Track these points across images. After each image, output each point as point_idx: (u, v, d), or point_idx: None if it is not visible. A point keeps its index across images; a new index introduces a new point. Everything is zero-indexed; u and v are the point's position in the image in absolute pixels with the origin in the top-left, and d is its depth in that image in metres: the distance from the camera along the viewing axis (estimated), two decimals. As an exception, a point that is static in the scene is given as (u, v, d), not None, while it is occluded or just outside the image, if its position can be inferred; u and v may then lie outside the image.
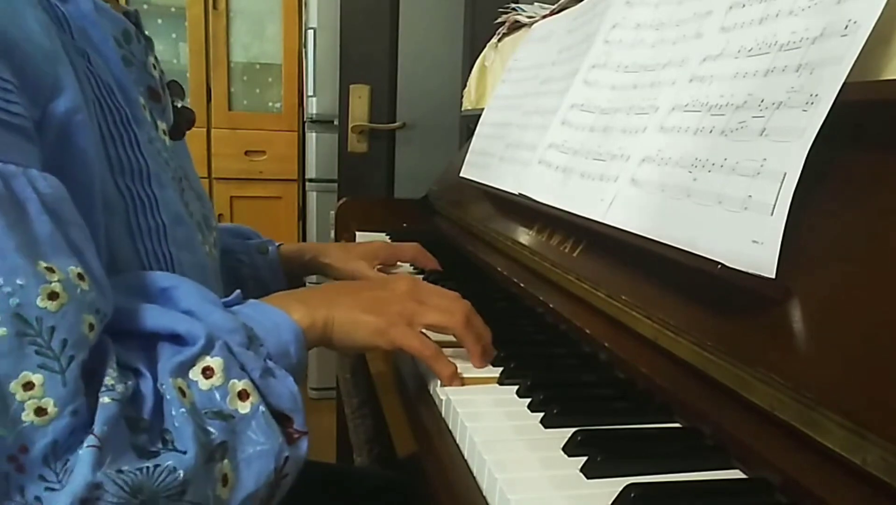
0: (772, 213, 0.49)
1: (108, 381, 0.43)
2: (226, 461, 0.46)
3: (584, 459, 0.47)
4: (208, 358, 0.48)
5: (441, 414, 0.60)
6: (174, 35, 2.81)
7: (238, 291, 0.57)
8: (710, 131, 0.60)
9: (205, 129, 2.79)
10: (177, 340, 0.49)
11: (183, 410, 0.45)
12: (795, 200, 0.48)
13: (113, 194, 0.54)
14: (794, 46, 0.54)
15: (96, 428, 0.41)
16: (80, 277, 0.43)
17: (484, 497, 0.47)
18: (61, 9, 0.53)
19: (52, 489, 0.39)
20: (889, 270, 0.44)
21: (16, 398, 0.39)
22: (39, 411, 0.40)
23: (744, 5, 0.63)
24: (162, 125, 0.64)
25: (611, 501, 0.43)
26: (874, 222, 0.47)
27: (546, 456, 0.49)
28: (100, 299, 0.45)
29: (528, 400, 0.58)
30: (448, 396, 0.59)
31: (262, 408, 0.49)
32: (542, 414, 0.55)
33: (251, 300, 0.58)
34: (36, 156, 0.45)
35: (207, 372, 0.48)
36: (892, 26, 0.48)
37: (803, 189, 0.48)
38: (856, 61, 0.47)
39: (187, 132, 0.72)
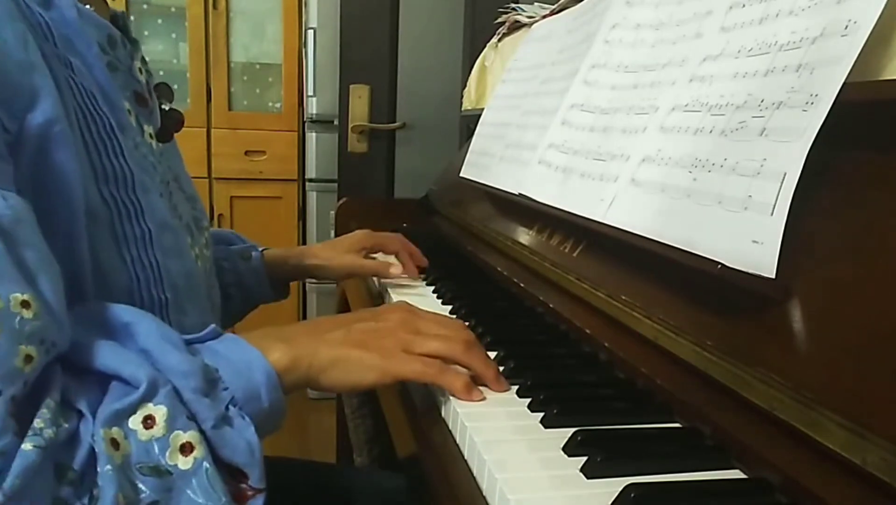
0: (772, 214, 0.49)
1: (37, 423, 0.39)
2: None
3: (584, 459, 0.47)
4: (150, 406, 0.44)
5: (441, 414, 0.60)
6: (174, 35, 2.81)
7: (213, 326, 0.53)
8: (710, 131, 0.60)
9: (205, 129, 2.78)
10: (126, 383, 0.45)
11: (108, 467, 0.41)
12: (795, 200, 0.48)
13: (97, 203, 0.52)
14: (794, 46, 0.54)
15: (7, 481, 0.37)
16: (23, 304, 0.40)
17: (484, 497, 0.47)
18: (44, 17, 0.52)
19: None
20: (889, 269, 0.44)
21: None
22: None
23: (744, 5, 0.63)
24: (149, 129, 0.63)
25: (611, 501, 0.43)
26: (874, 222, 0.47)
27: (546, 456, 0.49)
28: (48, 328, 0.41)
29: (528, 400, 0.58)
30: (448, 397, 0.59)
31: (206, 464, 0.44)
32: (542, 414, 0.55)
33: (228, 335, 0.53)
34: (6, 173, 0.43)
35: (148, 421, 0.43)
36: (892, 26, 0.48)
37: (803, 189, 0.48)
38: (856, 61, 0.47)
39: (181, 132, 0.71)
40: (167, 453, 0.43)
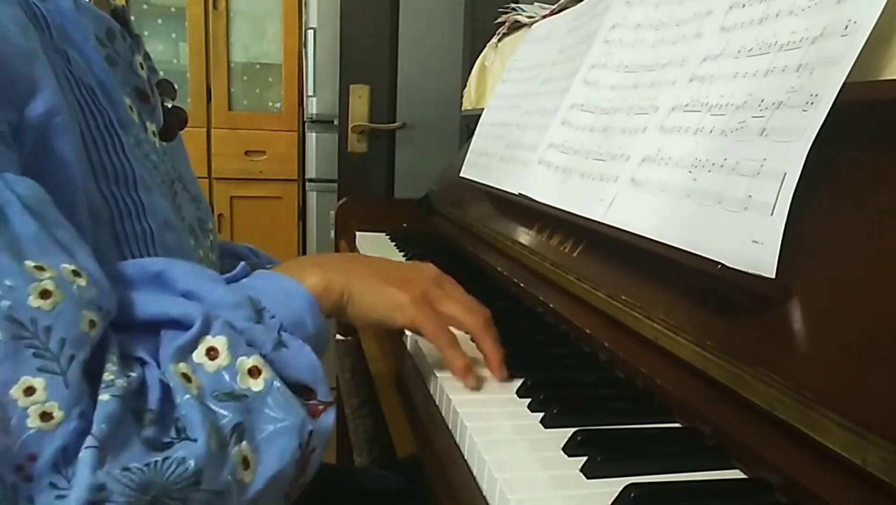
0: (772, 214, 0.49)
1: (106, 376, 0.41)
2: (244, 443, 0.44)
3: (584, 459, 0.47)
4: (209, 338, 0.46)
5: (441, 414, 0.60)
6: (174, 35, 2.81)
7: (243, 263, 0.55)
8: (710, 131, 0.60)
9: (205, 129, 2.79)
10: (177, 324, 0.47)
11: (188, 396, 0.43)
12: (795, 200, 0.48)
13: (97, 201, 0.51)
14: (794, 46, 0.54)
15: (94, 427, 0.39)
16: (74, 273, 0.42)
17: (484, 497, 0.47)
18: (39, 7, 0.51)
19: (62, 497, 0.38)
20: (889, 269, 0.44)
21: (18, 405, 0.38)
22: (45, 416, 0.38)
23: (744, 5, 0.63)
24: (151, 127, 0.61)
25: (611, 501, 0.43)
26: (874, 222, 0.47)
27: (546, 456, 0.49)
28: (100, 296, 0.43)
29: (528, 400, 0.58)
30: (448, 396, 0.59)
31: (276, 383, 0.46)
32: (542, 414, 0.55)
33: (260, 270, 0.55)
34: (13, 160, 0.44)
35: (212, 353, 0.45)
36: (892, 26, 0.48)
37: (803, 189, 0.48)
38: (856, 61, 0.47)
39: (182, 132, 0.69)
40: (238, 379, 0.45)
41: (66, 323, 0.40)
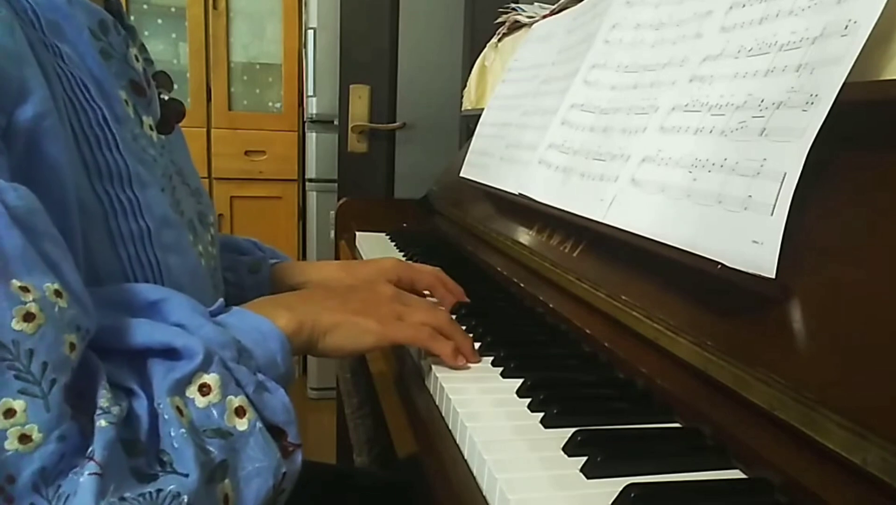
0: (772, 214, 0.49)
1: (102, 403, 0.41)
2: (226, 481, 0.45)
3: (584, 459, 0.47)
4: (205, 375, 0.47)
5: (441, 414, 0.60)
6: (174, 35, 2.81)
7: (221, 300, 0.56)
8: (710, 131, 0.60)
9: (205, 129, 2.79)
10: (169, 354, 0.47)
11: (182, 430, 0.44)
12: (795, 200, 0.48)
13: (90, 200, 0.51)
14: (794, 46, 0.54)
15: (97, 454, 0.39)
16: (57, 293, 0.41)
17: (484, 497, 0.47)
18: (30, 1, 0.50)
19: None
20: (889, 269, 0.44)
21: None
22: (24, 438, 0.38)
23: (744, 5, 0.63)
24: (148, 120, 0.60)
25: (611, 501, 0.43)
26: (874, 222, 0.47)
27: (546, 456, 0.49)
28: (80, 316, 0.43)
29: (528, 400, 0.58)
30: (448, 396, 0.59)
31: (258, 424, 0.48)
32: (542, 414, 0.55)
33: (234, 308, 0.56)
34: (3, 166, 0.43)
35: (204, 389, 0.46)
36: (892, 26, 0.48)
37: (803, 189, 0.48)
38: (856, 61, 0.47)
39: (180, 126, 0.69)
40: (225, 416, 0.46)
41: (48, 346, 0.40)
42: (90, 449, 0.40)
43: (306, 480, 0.53)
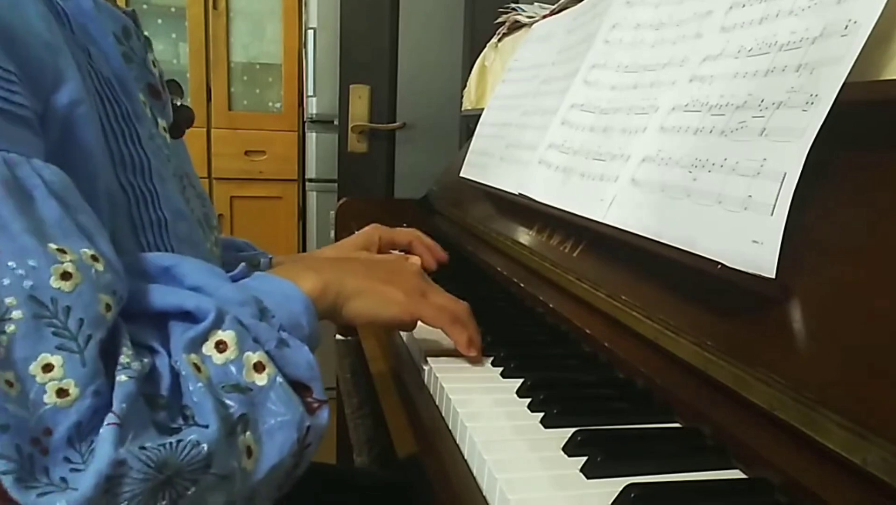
0: (772, 214, 0.49)
1: (123, 359, 0.43)
2: (248, 434, 0.46)
3: (584, 459, 0.47)
4: (220, 332, 0.48)
5: (441, 414, 0.60)
6: (174, 35, 2.81)
7: (243, 264, 0.57)
8: (710, 131, 0.60)
9: (205, 129, 2.79)
10: (187, 316, 0.48)
11: (200, 385, 0.45)
12: (795, 200, 0.48)
13: (115, 188, 0.53)
14: (794, 46, 0.54)
15: (115, 405, 0.41)
16: (93, 258, 0.43)
17: (484, 497, 0.47)
18: (61, 5, 0.53)
19: (77, 470, 0.39)
20: (889, 269, 0.44)
21: (36, 381, 0.39)
22: (61, 393, 0.40)
23: (744, 5, 0.63)
24: (162, 123, 0.63)
25: (611, 501, 0.43)
26: (874, 222, 0.47)
27: (546, 456, 0.49)
28: (116, 281, 0.44)
29: (528, 400, 0.58)
30: (448, 396, 0.59)
31: (279, 379, 0.48)
32: (542, 414, 0.55)
33: (258, 272, 0.57)
34: (39, 147, 0.45)
35: (221, 346, 0.47)
36: (892, 26, 0.48)
37: (803, 189, 0.48)
38: (856, 61, 0.47)
39: (186, 131, 0.71)
40: (243, 372, 0.47)
41: (85, 304, 0.41)
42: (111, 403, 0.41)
43: (306, 480, 0.54)
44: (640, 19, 0.83)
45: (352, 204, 1.62)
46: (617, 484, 0.44)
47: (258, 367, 0.48)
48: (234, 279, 0.54)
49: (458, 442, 0.54)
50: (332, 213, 1.64)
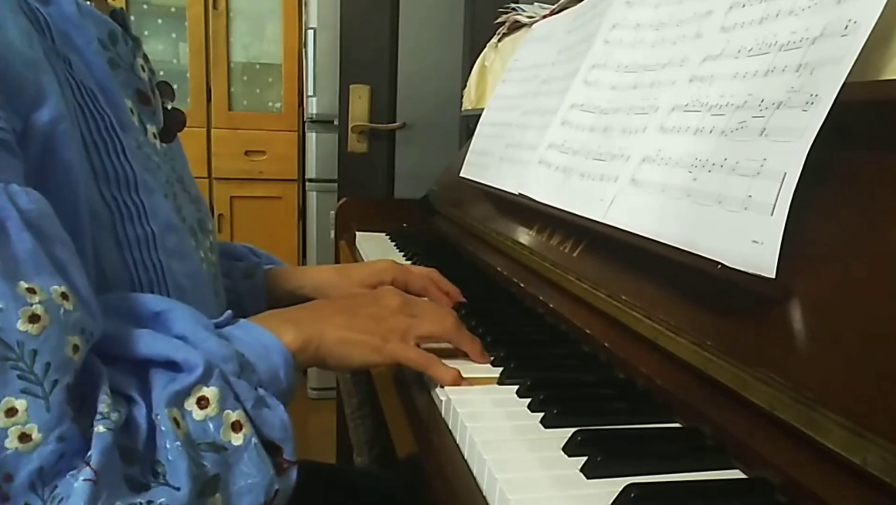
0: (772, 214, 0.49)
1: (102, 408, 0.42)
2: (217, 495, 0.45)
3: (584, 459, 0.47)
4: (205, 388, 0.47)
5: (441, 414, 0.60)
6: (174, 35, 2.81)
7: (229, 312, 0.56)
8: (711, 131, 0.60)
9: (205, 129, 2.79)
10: (171, 366, 0.48)
11: (178, 443, 0.44)
12: (795, 200, 0.48)
13: (98, 204, 0.52)
14: (794, 46, 0.54)
15: (93, 460, 0.40)
16: (63, 296, 0.42)
17: (484, 497, 0.47)
18: (42, 12, 0.51)
19: None
20: (889, 269, 0.44)
21: None
22: (23, 438, 0.39)
23: (744, 5, 0.63)
24: (152, 128, 0.62)
25: (611, 501, 0.43)
26: (874, 222, 0.47)
27: (546, 456, 0.49)
28: (85, 319, 0.43)
29: (528, 400, 0.58)
30: (448, 396, 0.59)
31: (254, 440, 0.48)
32: (542, 414, 0.55)
33: (241, 320, 0.57)
34: (18, 169, 0.44)
35: (202, 402, 0.47)
36: (892, 26, 0.48)
37: (803, 189, 0.48)
38: (856, 61, 0.47)
39: (180, 133, 0.70)
40: (221, 431, 0.47)
41: (52, 348, 0.41)
42: (88, 454, 0.40)
43: (306, 480, 0.53)
44: (640, 19, 0.83)
45: (352, 204, 1.62)
46: (617, 484, 0.44)
47: (236, 426, 0.47)
48: (219, 326, 0.54)
49: (458, 442, 0.54)
50: (332, 213, 1.64)
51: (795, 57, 0.53)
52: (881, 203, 0.48)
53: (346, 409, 1.45)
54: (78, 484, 0.39)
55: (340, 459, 1.80)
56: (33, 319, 0.40)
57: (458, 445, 0.54)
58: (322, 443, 2.05)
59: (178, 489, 0.43)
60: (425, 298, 0.76)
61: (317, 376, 2.61)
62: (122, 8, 0.64)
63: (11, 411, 0.39)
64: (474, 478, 0.49)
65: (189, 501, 0.43)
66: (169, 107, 0.67)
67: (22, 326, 0.40)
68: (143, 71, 0.62)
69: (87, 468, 0.39)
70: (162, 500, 0.42)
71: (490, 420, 0.55)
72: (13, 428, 0.39)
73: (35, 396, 0.39)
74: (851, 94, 0.48)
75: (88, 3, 0.57)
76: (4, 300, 0.40)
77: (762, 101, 0.55)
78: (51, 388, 0.40)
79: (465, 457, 0.52)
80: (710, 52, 0.66)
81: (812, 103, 0.49)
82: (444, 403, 0.60)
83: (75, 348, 0.42)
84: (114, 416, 0.42)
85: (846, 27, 0.49)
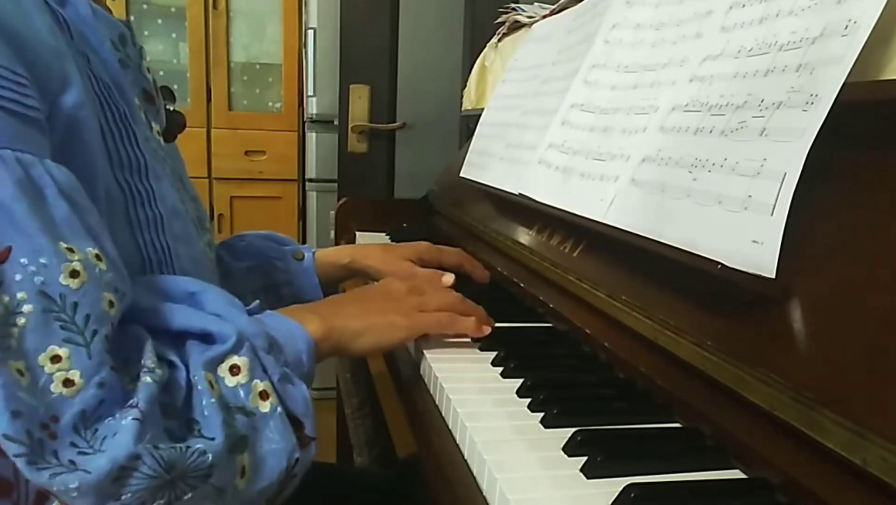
0: (772, 214, 0.49)
1: (148, 363, 0.46)
2: (245, 454, 0.49)
3: (584, 459, 0.47)
4: (236, 357, 0.51)
5: (441, 414, 0.60)
6: (174, 35, 2.80)
7: (257, 301, 0.60)
8: (711, 131, 0.60)
9: (205, 129, 2.78)
10: (205, 339, 0.52)
11: (213, 400, 0.48)
12: (795, 200, 0.48)
13: (113, 187, 0.55)
14: (794, 46, 0.54)
15: (140, 403, 0.44)
16: (97, 257, 0.46)
17: (484, 497, 0.47)
18: (60, 12, 0.54)
19: (84, 453, 0.42)
20: (889, 269, 0.44)
21: (44, 371, 0.42)
22: (67, 383, 0.43)
23: (744, 5, 0.63)
24: (156, 127, 0.65)
25: (611, 501, 0.43)
26: (874, 222, 0.47)
27: (546, 456, 0.49)
28: (117, 280, 0.47)
29: (528, 400, 0.58)
30: (448, 396, 0.59)
31: (279, 409, 0.51)
32: (542, 414, 0.55)
33: (268, 311, 0.60)
34: (47, 148, 0.47)
35: (234, 370, 0.50)
36: (892, 26, 0.48)
37: (803, 189, 0.48)
38: (856, 61, 0.47)
39: (180, 134, 0.72)
40: (250, 397, 0.51)
41: (91, 301, 0.45)
42: (134, 399, 0.44)
43: (306, 480, 0.54)
44: (640, 19, 0.83)
45: (352, 204, 1.62)
46: (617, 484, 0.44)
47: (263, 395, 0.51)
48: (251, 312, 0.57)
49: (458, 442, 0.54)
50: (332, 213, 1.64)
51: (795, 57, 0.53)
52: (881, 203, 0.48)
53: (346, 409, 1.45)
54: (126, 422, 0.43)
55: (340, 459, 1.80)
56: (73, 274, 0.44)
57: (458, 445, 0.54)
58: (322, 443, 2.04)
59: (213, 439, 0.47)
60: (428, 276, 0.83)
61: (317, 376, 2.61)
62: (126, 20, 0.68)
63: (56, 359, 0.43)
64: (474, 478, 0.49)
65: (222, 450, 0.47)
66: (171, 108, 0.69)
67: (64, 280, 0.44)
68: (149, 72, 0.66)
69: (135, 409, 0.44)
70: (199, 445, 0.46)
71: (490, 420, 0.55)
72: (58, 374, 0.43)
73: (77, 345, 0.43)
74: (851, 94, 0.48)
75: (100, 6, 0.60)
76: (48, 256, 0.43)
77: (762, 101, 0.55)
78: (91, 337, 0.44)
79: (465, 457, 0.52)
80: (710, 52, 0.66)
81: (812, 103, 0.49)
82: (444, 403, 0.60)
83: (111, 304, 0.46)
84: (158, 371, 0.47)
85: (846, 27, 0.49)
